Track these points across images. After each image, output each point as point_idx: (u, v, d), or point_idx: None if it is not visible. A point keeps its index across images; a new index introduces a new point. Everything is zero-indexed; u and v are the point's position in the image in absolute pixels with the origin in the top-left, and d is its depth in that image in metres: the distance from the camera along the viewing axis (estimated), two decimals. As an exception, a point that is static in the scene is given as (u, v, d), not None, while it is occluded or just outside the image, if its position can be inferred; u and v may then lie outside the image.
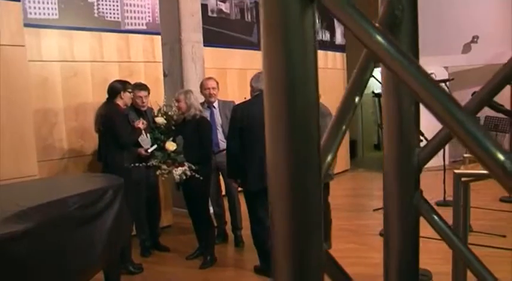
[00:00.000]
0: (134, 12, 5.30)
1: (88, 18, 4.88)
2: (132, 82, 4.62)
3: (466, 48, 8.96)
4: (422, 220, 0.74)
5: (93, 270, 3.00)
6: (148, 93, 4.72)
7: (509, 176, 0.43)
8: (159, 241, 4.97)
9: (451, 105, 0.47)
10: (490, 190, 5.97)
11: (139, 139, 4.51)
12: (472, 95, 2.75)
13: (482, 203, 5.48)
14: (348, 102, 0.61)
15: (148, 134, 4.61)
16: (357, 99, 0.61)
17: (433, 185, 6.54)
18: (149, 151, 4.48)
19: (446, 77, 7.59)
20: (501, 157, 0.44)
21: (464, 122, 0.46)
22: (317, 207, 0.50)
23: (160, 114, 4.79)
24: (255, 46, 7.28)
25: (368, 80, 0.62)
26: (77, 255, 2.79)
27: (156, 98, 5.15)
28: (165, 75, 5.81)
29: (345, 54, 9.32)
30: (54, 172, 4.59)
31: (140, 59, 5.35)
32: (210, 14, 6.60)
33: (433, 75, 4.96)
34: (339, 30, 9.07)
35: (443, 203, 5.80)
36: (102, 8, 5.01)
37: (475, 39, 8.85)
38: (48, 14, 4.57)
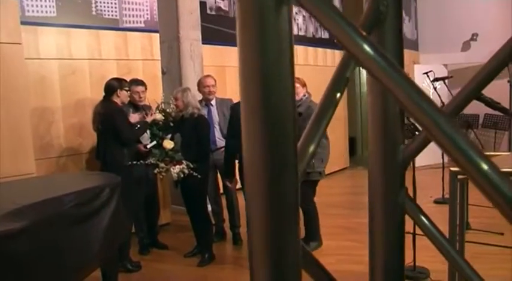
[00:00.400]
0: (132, 10, 5.29)
1: (86, 16, 4.87)
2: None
3: (466, 46, 8.95)
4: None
5: (90, 268, 3.00)
6: (145, 88, 4.72)
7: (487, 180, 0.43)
8: (157, 238, 4.97)
9: (429, 108, 0.47)
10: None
11: None
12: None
13: (480, 201, 5.47)
14: (328, 100, 0.61)
15: (147, 131, 4.61)
16: (337, 95, 0.61)
17: (431, 182, 6.55)
18: (148, 146, 4.48)
19: (445, 74, 7.58)
20: (483, 165, 0.44)
21: (442, 126, 0.46)
22: (293, 205, 0.50)
23: (158, 111, 4.79)
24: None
25: (348, 78, 0.62)
26: (73, 253, 2.79)
27: (154, 96, 5.15)
28: (163, 73, 5.81)
29: (335, 52, 9.29)
30: (52, 170, 4.59)
31: (138, 57, 5.34)
32: (208, 11, 6.58)
33: (431, 73, 4.92)
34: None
35: (442, 201, 5.80)
36: (100, 6, 5.00)
37: (474, 37, 8.83)
38: (46, 12, 4.56)
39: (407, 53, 9.57)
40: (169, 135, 4.58)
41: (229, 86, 6.67)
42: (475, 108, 5.37)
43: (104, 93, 4.36)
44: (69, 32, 4.75)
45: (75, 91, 4.81)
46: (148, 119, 4.49)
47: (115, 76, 4.67)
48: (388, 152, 0.71)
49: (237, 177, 4.59)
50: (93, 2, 4.94)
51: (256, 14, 0.47)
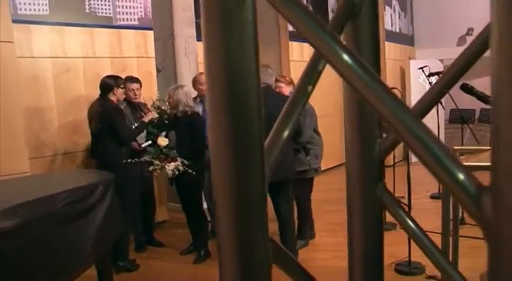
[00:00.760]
0: (126, 7, 5.28)
1: (79, 14, 4.86)
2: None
3: (461, 41, 8.95)
4: (419, 214, 0.73)
5: (84, 266, 2.99)
6: (140, 86, 4.72)
7: (453, 178, 0.42)
8: (153, 236, 4.97)
9: (398, 107, 0.46)
10: (482, 181, 5.97)
11: None
12: (460, 86, 2.73)
13: (477, 196, 5.48)
14: (299, 93, 0.60)
15: None
16: (309, 89, 0.60)
17: (428, 178, 6.52)
18: (143, 146, 4.47)
19: (441, 69, 7.57)
20: (455, 170, 0.43)
21: (410, 126, 0.45)
22: (261, 204, 0.49)
23: (153, 109, 4.78)
24: (249, 40, 7.25)
25: (321, 71, 0.61)
26: (67, 251, 2.79)
27: (149, 93, 5.13)
28: (158, 70, 5.79)
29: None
30: (47, 168, 4.58)
31: (133, 55, 5.33)
32: (203, 8, 6.56)
33: (427, 68, 4.92)
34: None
35: (438, 196, 5.80)
36: (94, 4, 4.98)
37: (470, 32, 8.83)
38: (39, 10, 4.54)
39: (403, 48, 9.58)
40: (164, 133, 4.57)
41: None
42: (471, 103, 5.37)
43: (99, 92, 4.34)
44: (62, 30, 4.73)
45: (69, 89, 4.80)
46: (146, 118, 4.48)
47: (109, 74, 4.66)
48: (365, 146, 0.71)
49: None
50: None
51: (220, 7, 0.46)
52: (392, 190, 5.88)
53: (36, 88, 4.55)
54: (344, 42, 0.48)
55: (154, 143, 4.54)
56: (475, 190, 0.41)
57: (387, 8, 8.62)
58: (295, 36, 7.81)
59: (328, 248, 4.56)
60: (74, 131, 4.81)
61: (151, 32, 5.56)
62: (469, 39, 8.91)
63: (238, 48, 0.46)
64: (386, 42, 8.46)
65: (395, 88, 5.86)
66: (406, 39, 9.73)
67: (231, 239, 0.50)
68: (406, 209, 3.64)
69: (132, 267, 4.28)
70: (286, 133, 0.57)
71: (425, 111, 0.64)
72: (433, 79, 6.01)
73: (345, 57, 0.47)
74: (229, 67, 0.47)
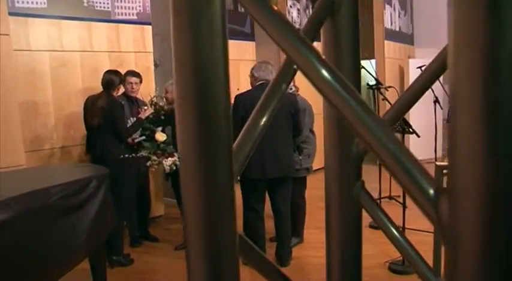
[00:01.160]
0: (124, 1, 5.26)
1: (77, 8, 4.84)
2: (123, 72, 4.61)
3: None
4: (414, 213, 0.72)
5: (77, 259, 2.99)
6: (140, 81, 4.72)
7: (413, 180, 0.42)
8: (148, 231, 4.97)
9: (368, 118, 0.46)
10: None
11: None
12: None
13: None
14: (273, 91, 0.60)
15: None
16: (283, 87, 0.60)
17: (424, 177, 6.55)
18: (135, 140, 4.46)
19: (440, 69, 7.55)
20: (414, 172, 0.43)
21: (381, 138, 0.45)
22: (228, 202, 0.49)
23: (151, 104, 4.77)
24: (248, 37, 7.25)
25: (296, 69, 0.61)
26: (60, 244, 2.79)
27: (147, 88, 5.13)
28: (156, 65, 5.78)
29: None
30: (43, 162, 4.58)
31: (130, 49, 5.32)
32: (202, 4, 6.55)
33: (425, 68, 4.93)
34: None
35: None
36: (92, -2, 4.97)
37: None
38: (36, 3, 4.53)
39: (402, 47, 9.56)
40: (160, 128, 4.57)
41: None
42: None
43: (102, 87, 4.32)
44: (60, 23, 4.71)
45: (67, 83, 4.79)
46: (143, 115, 4.47)
47: (107, 68, 4.65)
48: (343, 145, 0.71)
49: None
50: (85, -7, 4.91)
51: (188, 2, 0.46)
52: (388, 189, 5.88)
53: (33, 81, 4.54)
54: (314, 48, 0.48)
55: (151, 138, 4.54)
56: (433, 192, 0.41)
57: (387, 6, 8.61)
58: (294, 34, 7.78)
59: (322, 245, 4.54)
60: (70, 125, 4.80)
61: (150, 27, 5.54)
62: (469, 39, 8.90)
63: (206, 43, 0.46)
64: (385, 41, 8.45)
65: (391, 87, 5.86)
66: (405, 38, 9.71)
67: (198, 234, 0.49)
68: (402, 208, 3.64)
69: (126, 262, 4.29)
70: (257, 132, 0.57)
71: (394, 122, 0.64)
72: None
73: (317, 65, 0.47)
74: (197, 63, 0.46)
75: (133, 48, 5.34)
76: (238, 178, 4.54)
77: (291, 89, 4.83)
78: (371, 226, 5.08)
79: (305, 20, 8.29)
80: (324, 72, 0.46)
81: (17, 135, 4.11)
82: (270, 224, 4.36)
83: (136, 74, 4.68)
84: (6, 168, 3.84)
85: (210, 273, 0.50)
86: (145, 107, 4.56)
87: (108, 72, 4.41)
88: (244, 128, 0.58)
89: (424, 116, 5.93)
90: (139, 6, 5.39)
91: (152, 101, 4.82)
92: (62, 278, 2.89)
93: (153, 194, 5.28)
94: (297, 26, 7.95)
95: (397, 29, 9.42)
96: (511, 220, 0.35)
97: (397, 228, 0.69)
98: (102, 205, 3.11)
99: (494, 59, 0.36)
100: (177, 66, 0.47)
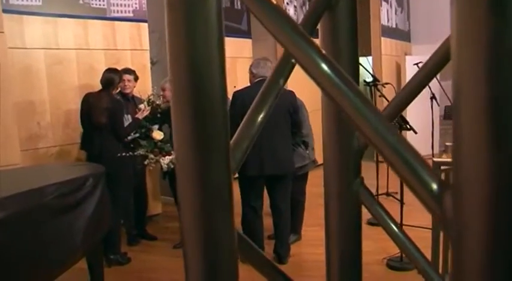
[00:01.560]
0: (120, -1, 5.23)
1: (73, 5, 4.81)
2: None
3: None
4: (412, 209, 0.71)
5: (74, 259, 2.98)
6: (135, 79, 4.70)
7: (423, 184, 0.41)
8: (146, 229, 4.96)
9: (367, 111, 0.45)
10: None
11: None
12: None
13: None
14: (270, 86, 0.59)
15: None
16: (281, 82, 0.59)
17: (422, 174, 6.55)
18: (129, 138, 4.44)
19: (436, 65, 7.55)
20: (417, 167, 0.42)
21: (380, 131, 0.44)
22: (226, 200, 0.48)
23: (147, 103, 4.75)
24: (244, 34, 7.23)
25: (294, 64, 0.60)
26: (56, 244, 2.78)
27: (143, 86, 5.11)
28: (153, 63, 5.76)
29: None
30: (39, 161, 4.55)
31: (127, 47, 5.29)
32: (198, 1, 6.52)
33: (422, 64, 4.93)
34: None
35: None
36: (87, -5, 4.94)
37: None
38: (31, 0, 4.49)
39: (399, 44, 9.55)
40: (156, 126, 4.55)
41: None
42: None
43: (102, 86, 4.30)
44: (55, 21, 4.69)
45: (62, 81, 4.76)
46: (140, 115, 4.45)
47: (103, 66, 4.64)
48: (343, 140, 0.69)
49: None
50: (80, -10, 4.88)
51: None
52: (385, 186, 5.88)
53: (29, 79, 4.51)
54: (313, 42, 0.47)
55: (146, 136, 4.53)
56: (437, 188, 0.40)
57: (384, 3, 8.60)
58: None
59: (321, 242, 4.52)
60: (66, 124, 4.78)
61: (146, 24, 5.52)
62: (466, 36, 8.90)
63: (201, 39, 0.45)
64: (382, 38, 8.44)
65: (388, 83, 5.85)
66: (402, 34, 9.70)
67: (195, 232, 0.48)
68: (400, 205, 3.64)
69: (124, 260, 4.28)
70: (255, 128, 0.56)
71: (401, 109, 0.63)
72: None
73: (316, 59, 0.46)
74: (192, 59, 0.45)
75: (129, 46, 5.31)
76: (236, 175, 4.55)
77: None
78: (369, 223, 5.09)
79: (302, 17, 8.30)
80: (323, 66, 0.45)
81: (12, 133, 4.09)
82: (268, 222, 4.35)
83: (130, 72, 4.67)
84: (2, 167, 3.81)
85: (207, 272, 0.49)
86: (142, 107, 4.52)
87: (108, 70, 4.39)
88: (241, 125, 0.56)
89: (421, 113, 5.93)
90: (136, 3, 5.37)
91: (149, 99, 4.80)
92: (59, 278, 2.88)
93: (151, 193, 5.26)
94: (294, 23, 7.94)
95: (394, 26, 9.41)
96: (516, 214, 0.34)
97: (397, 224, 0.68)
98: (99, 203, 3.09)
99: (497, 55, 0.36)
100: (172, 62, 0.46)
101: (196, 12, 0.44)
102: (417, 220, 4.01)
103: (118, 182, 4.13)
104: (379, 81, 5.77)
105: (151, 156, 4.39)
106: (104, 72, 4.36)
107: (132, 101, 4.72)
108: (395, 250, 3.89)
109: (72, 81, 4.82)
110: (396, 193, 5.37)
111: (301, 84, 4.58)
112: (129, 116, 4.51)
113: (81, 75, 4.85)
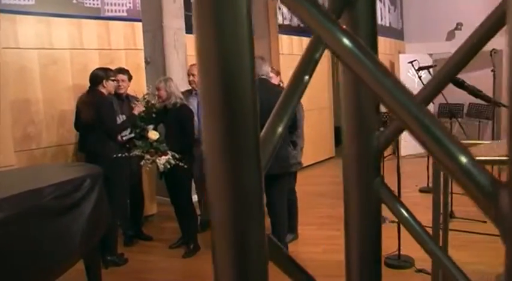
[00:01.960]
0: (114, -2, 5.20)
1: (66, 5, 4.77)
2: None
3: (450, 35, 8.97)
4: (409, 207, 0.70)
5: (72, 260, 2.95)
6: (129, 78, 4.67)
7: (465, 171, 0.40)
8: (142, 230, 4.93)
9: (401, 95, 0.44)
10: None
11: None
12: (451, 80, 2.73)
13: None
14: (296, 83, 0.58)
15: None
16: (306, 78, 0.57)
17: (417, 171, 6.58)
18: (124, 138, 4.41)
19: (430, 63, 7.58)
20: (469, 166, 0.41)
21: (416, 115, 0.43)
22: (257, 199, 0.47)
23: (143, 102, 4.72)
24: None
25: (318, 60, 0.59)
26: (54, 245, 2.75)
27: (138, 86, 5.08)
28: (147, 62, 5.72)
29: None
30: (33, 161, 4.51)
31: (121, 47, 5.26)
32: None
33: (416, 62, 4.93)
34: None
35: (427, 190, 5.83)
36: (81, -6, 4.90)
37: (458, 26, 8.85)
38: (24, 0, 4.45)
39: (392, 42, 9.58)
40: (151, 126, 4.52)
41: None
42: (460, 97, 5.38)
43: (89, 84, 4.28)
44: (49, 21, 4.64)
45: (56, 81, 4.72)
46: (136, 111, 4.42)
47: (97, 66, 4.60)
48: (363, 139, 0.68)
49: None
50: (74, -10, 4.83)
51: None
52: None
53: (22, 80, 4.46)
54: (344, 27, 0.46)
55: (141, 136, 4.49)
56: (491, 186, 0.39)
57: (377, 1, 8.62)
58: (284, 30, 7.77)
59: (318, 241, 4.56)
60: (61, 124, 4.74)
61: (140, 23, 5.48)
62: (458, 34, 8.95)
63: (231, 34, 0.44)
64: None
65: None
66: (395, 33, 9.74)
67: (227, 235, 0.47)
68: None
69: (121, 261, 4.25)
70: (282, 125, 0.54)
71: (429, 100, 0.62)
72: (422, 73, 6.02)
73: (351, 46, 0.45)
74: (223, 58, 0.44)
75: (123, 46, 5.28)
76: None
77: (281, 81, 4.87)
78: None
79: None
80: (361, 56, 0.44)
81: (7, 134, 4.05)
82: (266, 221, 4.34)
83: (123, 71, 4.64)
84: (-3, 168, 3.77)
85: (238, 278, 0.47)
86: (136, 102, 4.49)
87: (95, 69, 4.38)
88: (267, 124, 0.55)
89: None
90: (129, 2, 5.33)
91: (145, 99, 4.77)
92: (57, 279, 2.85)
93: (146, 193, 5.23)
94: (287, 21, 7.92)
95: (387, 25, 9.43)
96: None
97: (420, 224, 0.67)
98: (97, 204, 3.06)
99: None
100: (201, 61, 0.45)
101: (225, 7, 0.43)
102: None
103: (114, 183, 4.10)
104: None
105: (148, 157, 4.36)
106: (92, 71, 4.35)
107: (126, 101, 4.68)
108: (392, 248, 3.90)
109: (66, 81, 4.78)
110: (393, 191, 5.38)
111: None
112: (124, 115, 4.48)
113: (75, 75, 4.81)
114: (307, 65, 0.58)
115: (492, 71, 6.62)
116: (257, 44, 7.20)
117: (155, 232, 5.04)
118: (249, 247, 0.47)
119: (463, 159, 0.40)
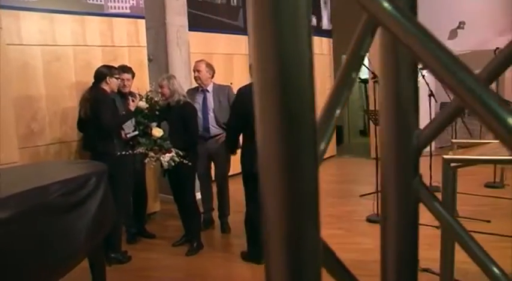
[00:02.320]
0: (117, -5, 5.17)
1: (69, 1, 4.74)
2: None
3: (453, 34, 8.96)
4: None
5: (77, 258, 2.94)
6: (133, 76, 4.66)
7: None
8: (145, 228, 4.92)
9: (462, 72, 0.43)
10: (475, 175, 6.01)
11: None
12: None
13: (467, 189, 5.51)
14: (344, 79, 0.56)
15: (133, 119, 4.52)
16: (353, 74, 0.56)
17: (421, 171, 6.58)
18: (128, 136, 4.38)
19: (432, 62, 7.58)
20: None
21: (478, 93, 0.42)
22: (313, 193, 0.45)
23: (145, 100, 4.70)
24: (240, 31, 7.18)
25: (364, 56, 0.57)
26: (60, 243, 2.73)
27: (141, 83, 5.06)
28: (150, 60, 5.70)
29: (331, 40, 9.24)
30: (37, 158, 4.49)
31: (124, 44, 5.23)
32: (195, -3, 6.47)
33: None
34: (325, 15, 8.98)
35: (434, 190, 5.83)
36: (84, -9, 4.87)
37: (461, 25, 8.84)
38: (28, -4, 4.42)
39: (394, 41, 9.57)
40: (155, 123, 4.50)
41: (216, 73, 6.57)
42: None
43: (93, 80, 4.27)
44: (52, 17, 4.61)
45: (60, 78, 4.69)
46: (131, 106, 4.37)
47: (100, 63, 4.58)
48: (402, 138, 0.67)
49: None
50: (77, -14, 4.81)
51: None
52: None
53: (25, 76, 4.44)
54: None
55: (145, 134, 4.48)
56: None
57: None
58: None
59: (321, 240, 4.54)
60: (64, 121, 4.71)
61: (143, 20, 5.46)
62: (460, 33, 8.93)
63: (290, 33, 0.42)
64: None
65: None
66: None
67: (280, 237, 0.45)
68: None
69: (124, 259, 4.24)
70: (331, 125, 0.53)
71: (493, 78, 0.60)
72: (425, 72, 6.01)
73: (403, 20, 0.43)
74: (281, 52, 0.42)
75: (126, 43, 5.25)
76: (237, 172, 4.58)
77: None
78: (368, 220, 5.09)
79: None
80: (414, 29, 0.42)
81: (10, 131, 4.03)
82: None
83: (128, 70, 4.62)
84: (1, 165, 3.75)
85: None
86: (132, 98, 4.43)
87: (100, 66, 4.36)
88: (317, 121, 0.54)
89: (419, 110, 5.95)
90: (133, -1, 5.31)
91: (148, 96, 4.76)
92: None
93: (149, 191, 5.21)
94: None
95: (389, 23, 9.41)
96: None
97: (459, 225, 0.66)
98: (102, 202, 3.05)
99: None
100: (257, 60, 0.43)
101: (284, 6, 0.41)
102: (421, 217, 4.01)
103: (118, 181, 4.08)
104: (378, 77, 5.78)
105: (152, 154, 4.34)
106: (96, 68, 4.33)
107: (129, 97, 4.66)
108: (397, 247, 3.89)
109: (70, 78, 4.76)
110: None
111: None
112: (127, 113, 4.46)
113: (78, 72, 4.79)
114: (354, 62, 0.57)
115: None
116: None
117: (158, 229, 5.03)
118: (303, 248, 0.45)
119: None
